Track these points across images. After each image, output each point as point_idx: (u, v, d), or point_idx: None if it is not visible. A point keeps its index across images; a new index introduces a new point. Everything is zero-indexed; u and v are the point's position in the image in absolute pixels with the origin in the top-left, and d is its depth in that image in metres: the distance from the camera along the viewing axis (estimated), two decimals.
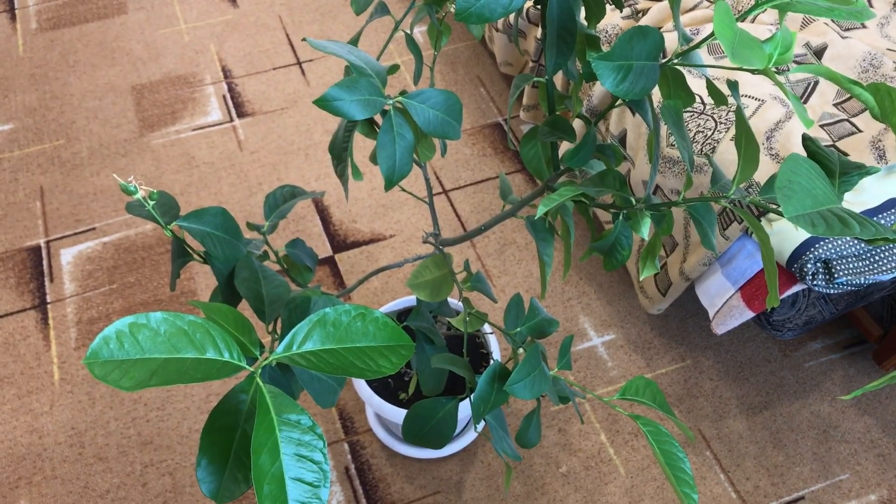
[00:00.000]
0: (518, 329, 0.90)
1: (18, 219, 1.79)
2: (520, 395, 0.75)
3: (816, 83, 1.38)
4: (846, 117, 1.31)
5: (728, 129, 1.31)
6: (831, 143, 1.27)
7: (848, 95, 1.34)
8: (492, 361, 1.19)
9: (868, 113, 1.30)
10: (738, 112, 0.73)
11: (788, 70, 1.40)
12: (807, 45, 1.42)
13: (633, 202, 0.85)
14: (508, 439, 0.88)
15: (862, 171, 0.72)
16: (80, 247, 1.74)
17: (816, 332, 1.57)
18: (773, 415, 1.46)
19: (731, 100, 1.35)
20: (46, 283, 1.68)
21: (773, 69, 0.70)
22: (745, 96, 1.34)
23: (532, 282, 1.66)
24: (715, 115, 1.33)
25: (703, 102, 1.36)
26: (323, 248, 1.73)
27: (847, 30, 1.47)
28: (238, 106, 2.03)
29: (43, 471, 1.41)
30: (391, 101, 0.81)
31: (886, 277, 1.18)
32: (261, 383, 0.58)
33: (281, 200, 0.97)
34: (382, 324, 0.67)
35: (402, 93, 0.82)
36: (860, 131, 1.27)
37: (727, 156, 1.29)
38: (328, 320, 0.64)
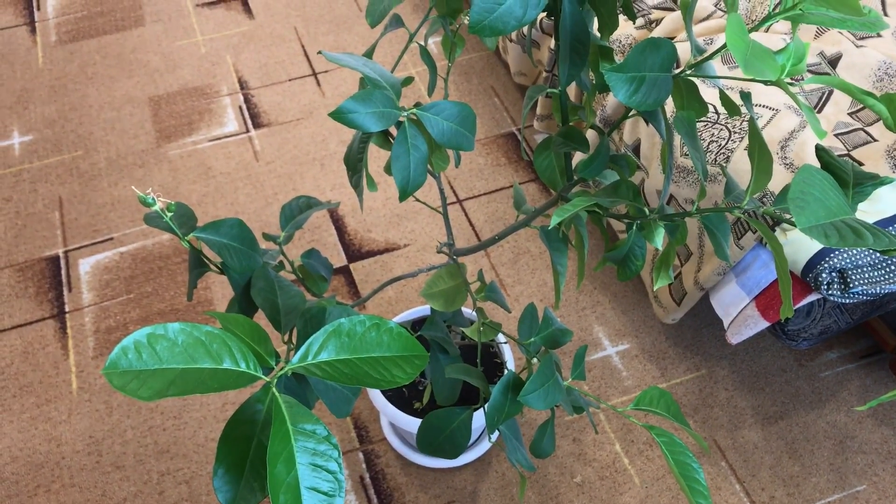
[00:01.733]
0: (532, 339, 0.90)
1: (38, 229, 1.81)
2: (534, 405, 0.76)
3: (831, 92, 1.37)
4: (861, 126, 1.31)
5: (742, 138, 1.31)
6: (846, 152, 1.27)
7: (862, 105, 1.34)
8: (506, 371, 1.19)
9: (883, 122, 1.30)
10: (752, 123, 0.73)
11: (803, 80, 1.40)
12: (821, 54, 1.42)
13: (647, 212, 0.85)
14: (523, 449, 0.89)
15: (876, 181, 0.72)
16: (98, 256, 1.76)
17: (832, 342, 1.56)
18: (789, 425, 1.46)
19: (744, 110, 1.35)
20: (65, 292, 1.70)
21: (787, 80, 0.71)
22: (759, 105, 1.34)
23: (546, 291, 1.66)
24: (729, 125, 1.33)
25: (716, 112, 1.36)
26: (338, 258, 1.74)
27: (862, 39, 1.46)
28: (254, 117, 2.04)
29: (61, 479, 1.43)
30: (406, 113, 0.82)
31: None
32: (276, 393, 0.59)
33: (297, 211, 0.98)
34: (397, 334, 0.67)
35: (417, 105, 0.83)
36: (875, 140, 1.27)
37: (741, 165, 1.29)
38: (343, 331, 0.64)
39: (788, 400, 1.49)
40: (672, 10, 1.57)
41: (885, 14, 1.53)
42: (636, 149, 1.48)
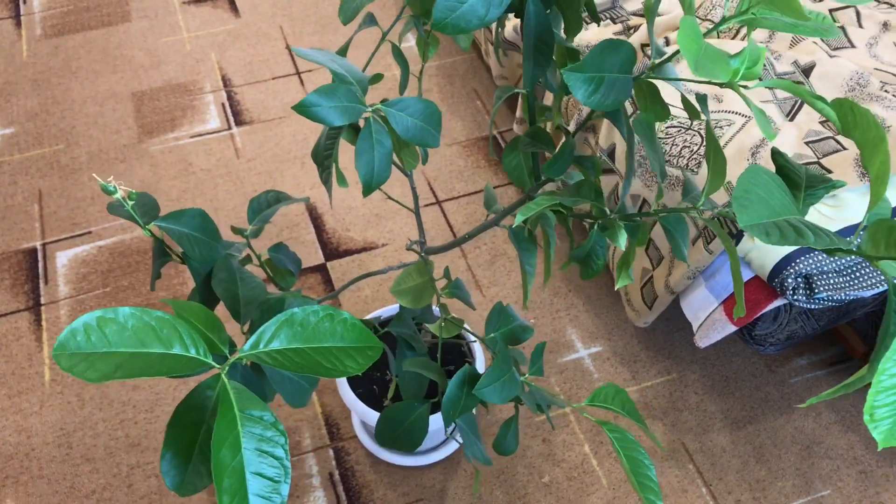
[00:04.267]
0: (491, 335, 0.91)
1: (16, 221, 1.81)
2: (489, 398, 0.77)
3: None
4: (832, 135, 1.32)
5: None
6: (816, 160, 1.28)
7: None
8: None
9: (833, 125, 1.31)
10: (707, 126, 0.74)
11: (757, 83, 1.41)
12: (795, 63, 1.44)
13: (608, 212, 0.86)
14: (480, 444, 0.89)
15: (828, 184, 0.74)
16: (76, 250, 1.76)
17: (802, 349, 1.57)
18: (758, 430, 1.47)
19: (724, 111, 1.37)
20: (41, 285, 1.70)
21: (742, 84, 0.72)
22: (733, 112, 1.36)
23: (520, 293, 1.67)
24: (702, 131, 1.35)
25: (689, 118, 1.37)
26: (315, 256, 1.75)
27: (836, 49, 1.48)
28: (236, 114, 2.05)
29: (30, 470, 1.43)
30: (370, 109, 0.83)
31: (868, 294, 1.19)
32: (225, 379, 0.60)
33: (265, 205, 0.98)
34: (351, 325, 0.68)
35: (384, 101, 0.83)
36: (845, 149, 1.29)
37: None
38: (296, 320, 0.65)
39: (757, 405, 1.50)
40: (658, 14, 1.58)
41: (860, 26, 1.54)
42: (612, 153, 1.50)
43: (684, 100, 0.82)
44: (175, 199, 1.86)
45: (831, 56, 1.44)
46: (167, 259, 0.81)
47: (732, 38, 1.54)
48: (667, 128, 1.37)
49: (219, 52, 2.21)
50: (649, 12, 0.81)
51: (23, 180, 1.90)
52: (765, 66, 1.43)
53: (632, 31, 1.56)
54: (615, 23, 1.59)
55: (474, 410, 1.18)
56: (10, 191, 1.88)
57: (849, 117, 0.66)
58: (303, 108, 0.77)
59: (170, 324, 0.59)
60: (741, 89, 0.69)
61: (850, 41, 1.50)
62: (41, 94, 2.10)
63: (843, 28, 1.52)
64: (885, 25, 1.54)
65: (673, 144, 1.35)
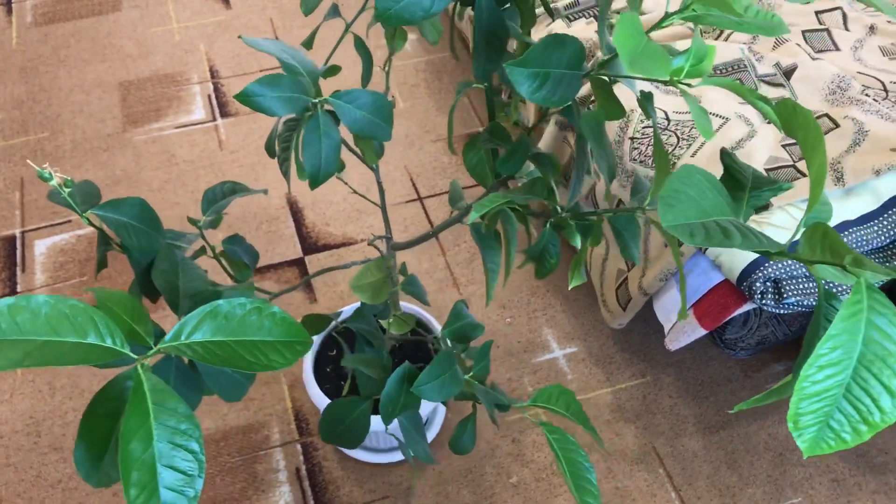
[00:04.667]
0: (439, 335, 0.90)
1: None
2: (428, 397, 0.75)
3: None
4: None
5: (689, 145, 1.31)
6: (791, 163, 1.27)
7: (815, 116, 1.34)
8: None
9: (831, 135, 1.30)
10: (654, 128, 0.73)
11: (756, 89, 1.40)
12: (777, 65, 1.42)
13: (559, 211, 0.85)
14: (424, 442, 0.88)
15: (774, 186, 0.72)
16: (55, 238, 1.76)
17: (779, 354, 1.55)
18: (730, 435, 1.45)
19: (693, 114, 1.35)
20: (18, 272, 1.70)
21: (685, 82, 0.70)
22: (711, 114, 1.34)
23: (498, 291, 1.66)
24: (678, 132, 1.33)
25: (666, 118, 1.36)
26: (294, 250, 1.74)
27: (820, 52, 1.46)
28: (222, 106, 2.04)
29: None
30: (318, 100, 0.82)
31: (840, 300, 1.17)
32: (140, 370, 0.59)
33: (220, 196, 0.97)
34: (279, 319, 0.67)
35: (336, 93, 0.82)
36: None
37: None
38: (220, 312, 0.64)
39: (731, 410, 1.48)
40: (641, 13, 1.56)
41: (847, 29, 1.52)
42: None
43: (639, 98, 0.80)
44: (156, 189, 1.85)
45: (814, 59, 1.42)
46: (109, 247, 0.80)
47: (716, 39, 1.52)
48: (643, 128, 1.35)
49: (208, 43, 2.21)
50: (602, 10, 0.79)
51: (5, 167, 1.90)
52: (745, 67, 1.41)
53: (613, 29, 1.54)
54: (598, 20, 1.57)
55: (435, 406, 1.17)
56: None
57: (792, 117, 0.64)
58: (245, 98, 0.76)
59: (85, 313, 0.58)
60: (685, 87, 0.68)
61: (834, 44, 1.48)
62: (29, 81, 2.10)
63: (828, 31, 1.50)
64: (872, 29, 1.52)
65: (649, 145, 1.33)
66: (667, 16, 0.67)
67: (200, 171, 1.88)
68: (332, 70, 0.95)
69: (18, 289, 1.67)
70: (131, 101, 2.05)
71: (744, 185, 0.71)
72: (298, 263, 1.72)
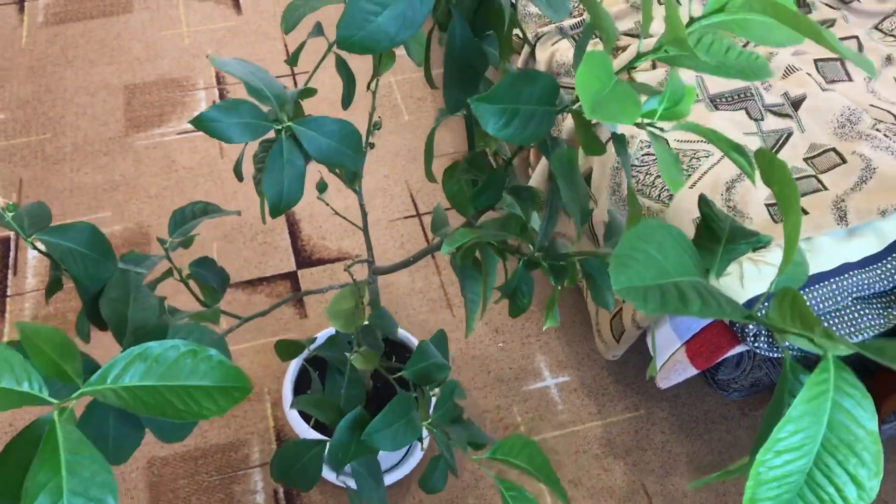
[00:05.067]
0: (401, 373, 0.86)
1: None
2: (380, 446, 0.72)
3: (790, 134, 1.32)
4: (813, 174, 1.25)
5: (689, 174, 1.26)
6: None
7: (819, 150, 1.29)
8: (433, 401, 1.15)
9: (837, 171, 1.25)
10: (626, 170, 0.69)
11: (762, 119, 1.35)
12: (785, 94, 1.37)
13: (532, 249, 0.81)
14: (380, 488, 0.84)
15: (752, 239, 0.68)
16: None
17: None
18: None
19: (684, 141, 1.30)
20: (9, 275, 1.68)
21: (660, 125, 0.66)
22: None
23: (492, 315, 1.62)
24: (682, 161, 1.28)
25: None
26: (287, 263, 1.71)
27: (832, 82, 1.41)
28: None
29: None
30: (281, 126, 0.78)
31: None
32: (56, 418, 0.55)
33: (189, 216, 0.94)
34: (217, 363, 0.63)
35: (297, 119, 0.79)
36: (825, 189, 1.22)
37: (684, 204, 1.24)
38: (151, 355, 0.60)
39: (726, 449, 1.43)
40: (638, 37, 1.52)
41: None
42: (588, 177, 1.44)
43: (613, 136, 0.76)
44: (154, 195, 1.83)
45: (824, 89, 1.37)
46: (59, 272, 0.77)
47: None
48: (642, 155, 1.31)
49: (216, 49, 2.19)
50: (581, 43, 0.75)
51: (5, 168, 1.88)
52: (752, 95, 1.36)
53: (619, 51, 1.50)
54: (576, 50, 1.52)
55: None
56: None
57: (768, 169, 0.60)
58: (201, 124, 0.73)
59: (1, 354, 0.55)
60: (656, 132, 0.63)
61: (847, 74, 1.42)
62: (35, 81, 2.09)
63: (841, 60, 1.45)
64: (889, 59, 1.46)
65: (647, 173, 1.29)
66: (638, 56, 0.63)
67: (199, 179, 1.86)
68: (307, 92, 0.91)
69: (8, 292, 1.65)
70: (135, 104, 2.03)
71: (719, 238, 0.66)
72: (291, 277, 1.69)
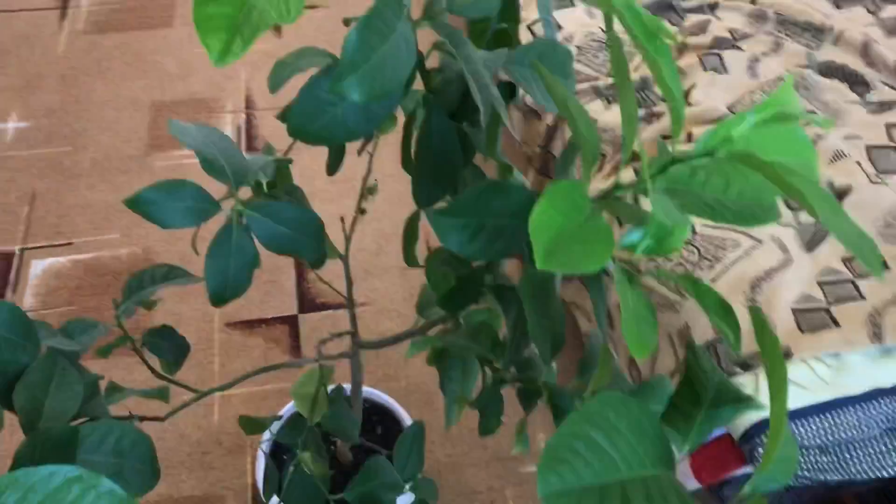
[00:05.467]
0: (343, 494, 0.77)
1: (2, 222, 1.77)
2: None
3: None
4: (851, 278, 1.13)
5: (712, 265, 1.15)
6: (825, 306, 1.10)
7: None
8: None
9: (876, 280, 1.12)
10: (598, 313, 0.59)
11: (800, 208, 1.23)
12: (830, 184, 1.25)
13: (501, 368, 0.72)
14: None
15: (741, 404, 0.57)
16: (52, 260, 1.70)
17: None
18: None
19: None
20: (8, 292, 1.65)
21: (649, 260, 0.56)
22: (739, 231, 1.18)
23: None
24: (702, 248, 1.18)
25: (693, 231, 1.20)
26: (290, 306, 1.64)
27: (884, 172, 1.28)
28: (250, 139, 1.96)
29: None
30: (235, 211, 0.71)
31: (858, 479, 1.00)
32: None
33: (148, 282, 0.87)
34: (106, 494, 0.55)
35: (250, 202, 0.71)
36: (862, 298, 1.10)
37: (692, 313, 1.13)
38: (24, 483, 0.53)
39: None
40: (687, 104, 1.41)
41: None
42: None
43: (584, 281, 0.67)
44: None
45: (873, 182, 1.24)
46: None
47: None
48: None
49: (250, 72, 2.14)
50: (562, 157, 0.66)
51: (21, 178, 1.86)
52: None
53: (654, 119, 1.40)
54: (639, 106, 1.43)
55: None
56: (5, 188, 1.83)
57: (761, 333, 0.50)
58: (135, 206, 0.66)
59: None
60: (632, 274, 0.54)
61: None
62: (65, 90, 2.07)
63: None
64: None
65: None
66: (616, 187, 0.53)
67: None
68: (283, 162, 0.84)
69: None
70: (160, 123, 1.99)
71: (700, 400, 0.56)
72: (291, 322, 1.61)
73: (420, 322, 1.16)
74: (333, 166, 0.92)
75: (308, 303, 1.65)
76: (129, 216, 1.79)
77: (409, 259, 0.88)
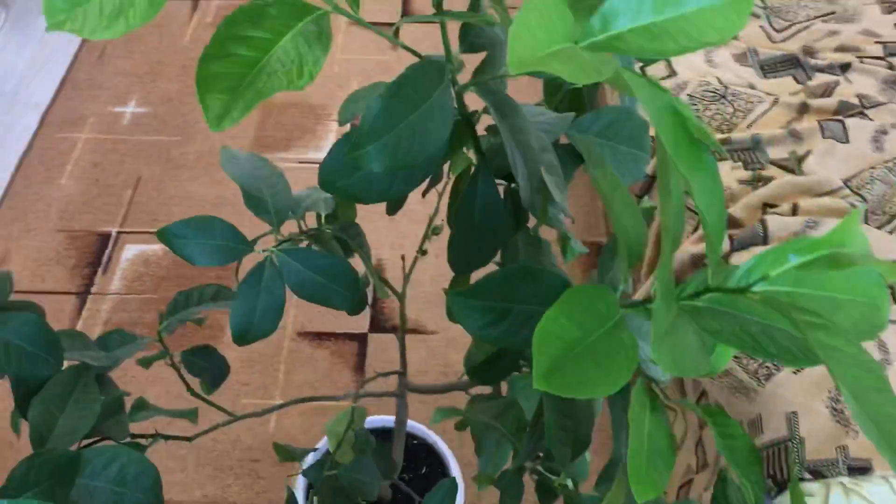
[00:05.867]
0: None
1: (106, 202, 1.83)
2: None
3: None
4: None
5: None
6: None
7: None
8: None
9: None
10: (619, 439, 0.53)
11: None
12: None
13: (522, 458, 0.66)
14: None
15: None
16: (144, 247, 1.75)
17: None
18: None
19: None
20: (98, 272, 1.70)
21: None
22: None
23: None
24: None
25: None
26: (361, 324, 1.62)
27: None
28: None
29: None
30: (263, 251, 0.69)
31: None
32: None
33: (194, 302, 0.86)
34: None
35: (282, 242, 0.69)
36: None
37: (785, 391, 1.04)
38: None
39: None
40: (792, 171, 1.31)
41: None
42: None
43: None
44: (254, 223, 1.80)
45: None
46: None
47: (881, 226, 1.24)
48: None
49: (362, 82, 2.15)
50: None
51: (130, 163, 1.92)
52: None
53: (760, 183, 1.30)
54: (746, 167, 1.33)
55: None
56: (114, 170, 1.90)
57: None
58: (164, 237, 0.64)
59: None
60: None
61: None
62: (184, 81, 2.13)
63: None
64: None
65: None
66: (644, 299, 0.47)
67: None
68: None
69: (93, 289, 1.67)
70: (268, 124, 2.03)
71: None
72: (360, 339, 1.60)
73: (463, 376, 1.11)
74: (392, 208, 0.89)
75: (379, 323, 1.63)
76: (224, 212, 1.81)
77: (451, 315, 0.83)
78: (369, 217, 1.79)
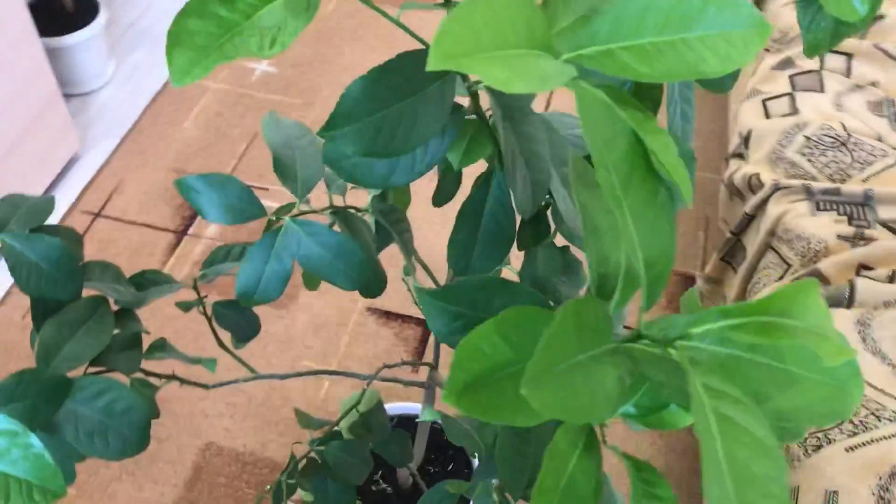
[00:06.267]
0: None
1: (221, 151, 1.91)
2: None
3: None
4: None
5: (855, 433, 0.97)
6: None
7: None
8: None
9: None
10: None
11: None
12: None
13: (479, 477, 0.64)
14: None
15: None
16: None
17: None
18: None
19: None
20: (199, 216, 1.78)
21: None
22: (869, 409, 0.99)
23: None
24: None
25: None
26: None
27: None
28: None
29: None
30: (277, 217, 0.69)
31: None
32: None
33: (221, 258, 0.88)
34: (33, 455, 0.56)
35: (294, 216, 0.69)
36: None
37: (828, 466, 0.96)
38: None
39: None
40: None
41: None
42: None
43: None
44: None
45: None
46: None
47: None
48: None
49: None
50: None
51: (250, 119, 1.99)
52: None
53: (861, 242, 1.20)
54: (850, 223, 1.23)
55: None
56: (234, 123, 1.98)
57: None
58: (180, 187, 0.66)
59: None
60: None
61: None
62: (317, 47, 2.19)
63: None
64: None
65: None
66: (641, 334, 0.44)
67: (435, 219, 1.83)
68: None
69: (190, 231, 1.75)
70: None
71: None
72: (423, 325, 1.60)
73: None
74: (439, 199, 0.87)
75: None
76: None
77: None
78: (420, 204, 1.80)
